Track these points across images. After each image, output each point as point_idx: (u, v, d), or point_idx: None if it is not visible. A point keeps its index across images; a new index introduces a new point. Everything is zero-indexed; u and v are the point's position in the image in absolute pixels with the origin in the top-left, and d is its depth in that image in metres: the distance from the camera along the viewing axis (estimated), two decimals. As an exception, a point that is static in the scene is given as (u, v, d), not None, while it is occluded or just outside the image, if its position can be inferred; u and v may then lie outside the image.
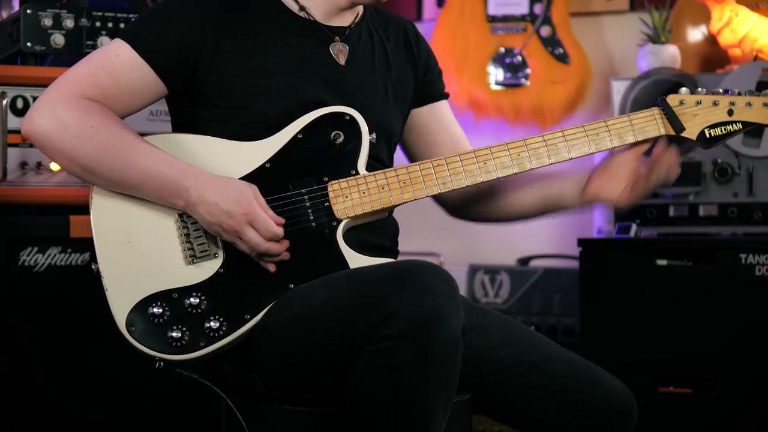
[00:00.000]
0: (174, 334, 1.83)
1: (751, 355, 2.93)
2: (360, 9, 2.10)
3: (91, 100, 1.90)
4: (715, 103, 2.03)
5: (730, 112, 2.04)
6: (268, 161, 1.94)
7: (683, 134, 2.03)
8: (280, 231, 1.86)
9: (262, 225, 1.85)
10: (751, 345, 2.93)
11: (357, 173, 1.95)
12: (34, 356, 2.47)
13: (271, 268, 1.88)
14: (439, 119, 2.19)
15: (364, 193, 1.94)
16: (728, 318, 2.96)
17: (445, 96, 2.23)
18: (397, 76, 2.11)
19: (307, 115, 1.95)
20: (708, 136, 2.03)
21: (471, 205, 2.20)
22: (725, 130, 2.04)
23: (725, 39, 3.43)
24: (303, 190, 1.93)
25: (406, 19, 2.23)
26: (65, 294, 2.49)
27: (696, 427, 2.97)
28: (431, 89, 2.20)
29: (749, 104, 2.04)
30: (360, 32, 2.09)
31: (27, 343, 2.47)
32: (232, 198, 1.85)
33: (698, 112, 2.03)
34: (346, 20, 2.07)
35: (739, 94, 2.04)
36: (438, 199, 2.21)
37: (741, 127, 2.04)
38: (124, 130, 1.90)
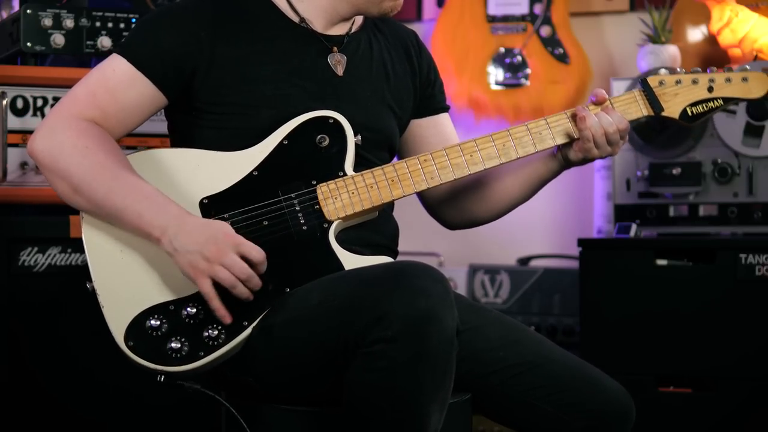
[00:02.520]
0: (173, 345, 1.82)
1: (751, 355, 2.93)
2: (359, 17, 2.10)
3: (90, 122, 1.91)
4: (694, 81, 2.06)
5: (710, 89, 2.06)
6: (255, 169, 1.93)
7: (664, 114, 2.05)
8: (264, 260, 1.82)
9: (250, 249, 1.81)
10: (751, 345, 2.93)
11: (345, 174, 1.95)
12: (33, 356, 2.48)
13: (247, 296, 1.82)
14: (438, 132, 2.18)
15: (353, 193, 1.94)
16: (728, 318, 2.96)
17: (446, 109, 2.22)
18: (397, 85, 2.11)
19: (291, 121, 1.95)
20: (690, 114, 2.06)
21: (458, 206, 2.17)
22: (707, 107, 2.06)
23: (725, 39, 3.43)
24: (292, 195, 1.92)
25: (409, 29, 2.23)
26: (65, 294, 2.49)
27: (696, 427, 2.98)
28: (432, 102, 2.19)
29: (728, 80, 2.06)
30: (359, 40, 2.08)
31: (26, 343, 2.47)
32: (214, 230, 1.82)
33: (679, 91, 2.05)
34: (344, 29, 2.07)
35: (718, 71, 2.07)
36: (429, 208, 2.20)
37: (722, 102, 2.06)
38: (117, 155, 1.89)
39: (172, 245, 1.82)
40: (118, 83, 1.93)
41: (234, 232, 1.83)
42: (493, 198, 2.14)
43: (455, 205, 2.18)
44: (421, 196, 2.18)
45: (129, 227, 1.87)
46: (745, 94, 2.06)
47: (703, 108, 2.05)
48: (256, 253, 1.82)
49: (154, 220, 1.83)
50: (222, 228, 1.83)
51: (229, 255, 1.80)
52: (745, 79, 2.06)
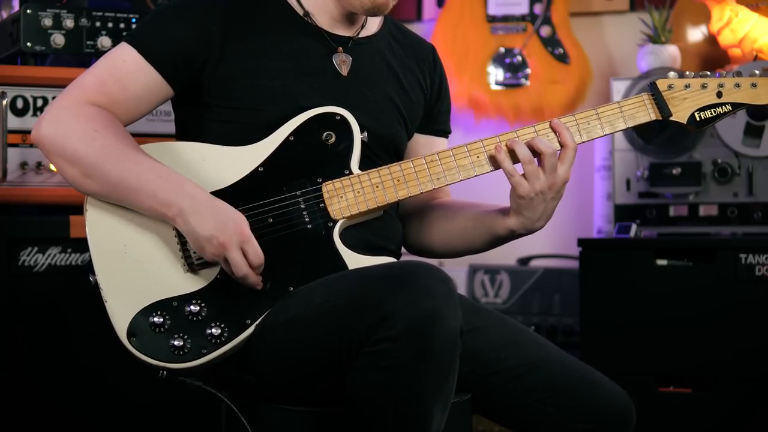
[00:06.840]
0: (176, 343, 1.82)
1: (751, 355, 2.93)
2: (374, 20, 2.09)
3: (98, 107, 1.91)
4: (703, 86, 2.03)
5: (719, 94, 2.03)
6: (261, 165, 1.93)
7: (672, 118, 2.02)
8: (260, 265, 1.84)
9: (252, 249, 1.82)
10: (751, 345, 2.93)
11: (351, 173, 1.94)
12: (33, 356, 2.47)
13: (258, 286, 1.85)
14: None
15: (358, 192, 1.94)
16: (728, 318, 2.96)
17: (445, 134, 2.21)
18: (408, 95, 2.10)
19: (297, 117, 1.95)
20: (698, 119, 2.03)
21: (417, 228, 2.13)
22: (715, 112, 2.04)
23: (725, 39, 3.43)
24: (297, 192, 1.92)
25: (429, 43, 2.22)
26: (65, 294, 2.49)
27: (696, 427, 2.98)
28: (435, 122, 2.18)
29: (737, 85, 2.04)
30: (372, 45, 2.07)
31: (26, 343, 2.47)
32: (226, 217, 1.83)
33: (688, 96, 2.03)
34: (351, 30, 2.06)
35: (727, 75, 2.05)
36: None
37: (730, 108, 2.04)
38: (126, 137, 1.90)
39: (186, 226, 1.84)
40: (127, 73, 1.93)
41: (246, 228, 1.83)
42: (452, 233, 2.11)
43: (416, 226, 2.15)
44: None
45: (144, 207, 1.87)
46: (754, 100, 2.03)
47: (711, 113, 2.03)
48: (254, 257, 1.82)
49: (170, 199, 1.84)
50: (234, 219, 1.83)
51: (233, 251, 1.81)
52: (754, 85, 2.03)
